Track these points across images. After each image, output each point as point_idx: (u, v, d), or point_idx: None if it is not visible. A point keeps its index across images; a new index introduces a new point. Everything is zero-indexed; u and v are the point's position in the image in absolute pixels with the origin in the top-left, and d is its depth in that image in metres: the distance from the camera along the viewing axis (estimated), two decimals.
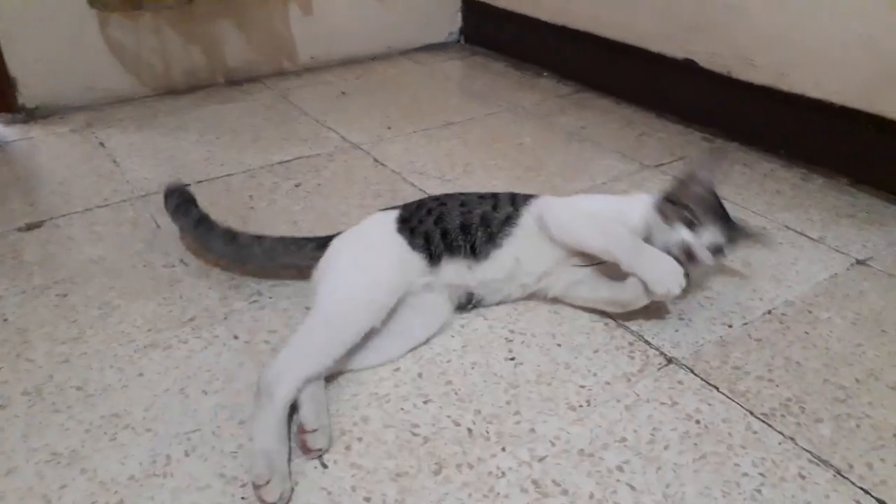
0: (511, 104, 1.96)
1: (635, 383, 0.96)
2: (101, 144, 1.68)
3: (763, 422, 0.89)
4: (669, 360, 1.00)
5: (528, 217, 1.07)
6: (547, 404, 0.92)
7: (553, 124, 1.84)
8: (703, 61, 1.75)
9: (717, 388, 0.95)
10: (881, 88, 1.43)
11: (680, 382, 0.96)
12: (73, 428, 0.88)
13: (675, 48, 1.81)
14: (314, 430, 0.84)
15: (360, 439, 0.86)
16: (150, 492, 0.79)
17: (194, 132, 1.75)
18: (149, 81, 1.98)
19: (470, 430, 0.88)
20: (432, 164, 1.60)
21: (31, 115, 1.83)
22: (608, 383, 0.96)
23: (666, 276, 0.98)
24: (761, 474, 0.82)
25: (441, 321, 1.05)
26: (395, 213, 1.09)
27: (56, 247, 1.27)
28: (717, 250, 1.03)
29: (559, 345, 1.03)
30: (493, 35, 2.44)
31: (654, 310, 1.08)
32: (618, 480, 0.81)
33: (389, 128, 1.79)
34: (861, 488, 0.80)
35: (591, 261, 1.06)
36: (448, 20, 2.50)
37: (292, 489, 0.79)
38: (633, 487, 0.80)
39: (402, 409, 0.91)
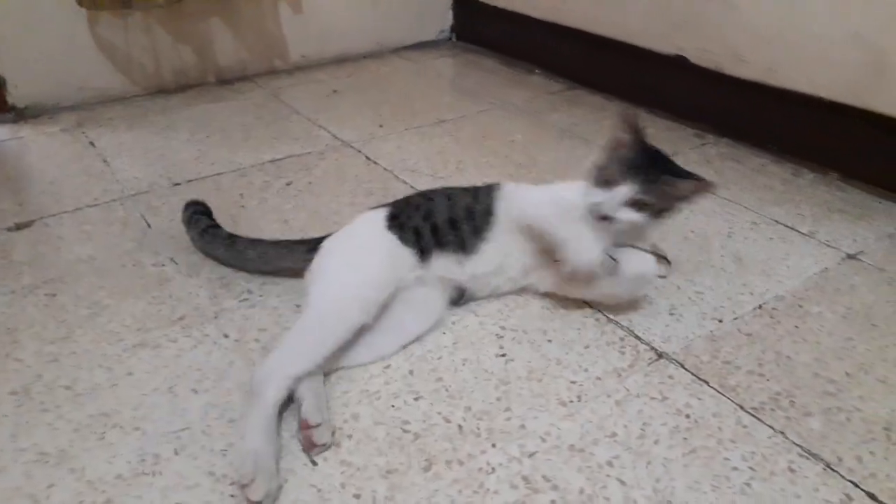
0: (502, 101, 1.96)
1: (626, 378, 0.96)
2: (92, 144, 1.67)
3: (753, 416, 0.89)
4: (660, 355, 1.00)
5: (500, 206, 1.08)
6: (537, 400, 0.92)
7: (544, 121, 1.83)
8: (694, 57, 1.75)
9: (708, 383, 0.95)
10: (869, 83, 1.43)
11: (670, 377, 0.96)
12: (62, 427, 0.88)
13: (665, 44, 1.81)
14: (318, 425, 0.84)
15: (350, 436, 0.86)
16: (138, 491, 0.79)
17: (185, 131, 1.74)
18: (139, 81, 1.97)
19: (460, 427, 0.88)
20: (424, 161, 1.59)
21: (20, 115, 1.82)
22: (599, 378, 0.96)
23: (584, 250, 1.00)
24: (751, 468, 0.82)
25: (434, 316, 1.05)
26: (384, 211, 1.09)
27: (45, 246, 1.26)
28: (636, 204, 0.99)
29: (550, 340, 1.03)
30: (484, 32, 2.44)
31: (647, 305, 1.08)
32: (608, 475, 0.81)
33: (381, 126, 1.79)
34: (851, 481, 0.80)
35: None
36: (439, 18, 2.50)
37: (280, 487, 0.79)
38: (623, 482, 0.80)
39: (393, 405, 0.91)
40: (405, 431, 0.87)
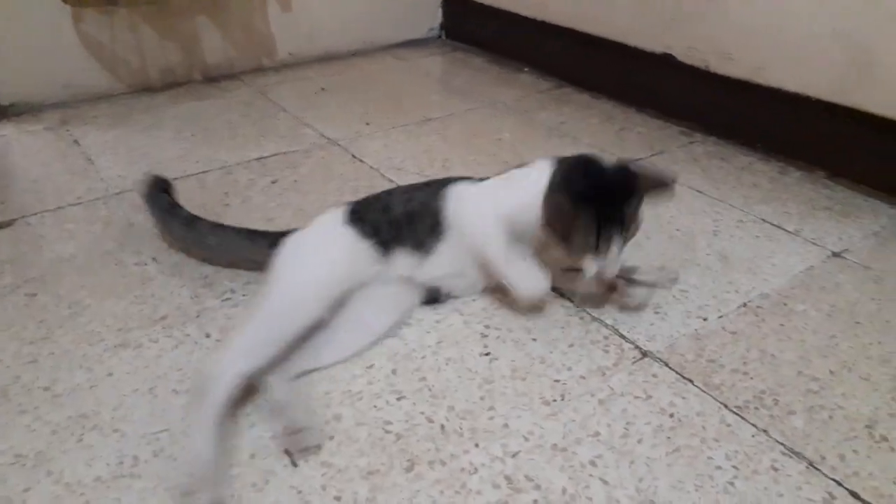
0: (491, 100, 1.96)
1: (610, 377, 0.95)
2: (76, 142, 1.66)
3: (737, 414, 0.89)
4: (644, 354, 1.00)
5: (448, 208, 1.06)
6: (521, 399, 0.91)
7: (533, 120, 1.83)
8: (681, 55, 1.75)
9: (692, 382, 0.95)
10: (855, 81, 1.43)
11: (654, 376, 0.96)
12: (39, 429, 0.87)
13: (653, 42, 1.81)
14: (302, 429, 0.83)
15: (331, 437, 0.86)
16: (116, 493, 0.78)
17: (170, 129, 1.73)
18: (125, 78, 1.95)
19: (443, 427, 0.87)
20: (411, 160, 1.59)
21: (4, 113, 1.80)
22: (583, 377, 0.95)
23: (529, 282, 1.02)
24: (734, 467, 0.82)
25: (398, 312, 1.04)
26: (344, 208, 1.08)
27: (27, 245, 1.25)
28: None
29: (534, 339, 1.02)
30: (473, 30, 2.43)
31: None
32: (590, 475, 0.80)
33: (368, 124, 1.78)
34: (833, 480, 0.80)
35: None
36: (428, 15, 2.49)
37: (226, 495, 0.78)
38: (605, 482, 0.80)
39: (375, 406, 0.90)
40: (387, 432, 0.86)
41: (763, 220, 1.35)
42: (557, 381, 0.95)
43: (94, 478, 0.80)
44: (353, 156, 1.60)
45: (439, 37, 2.53)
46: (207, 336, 1.02)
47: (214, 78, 2.08)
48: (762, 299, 1.12)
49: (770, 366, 0.98)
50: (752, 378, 0.95)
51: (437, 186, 1.09)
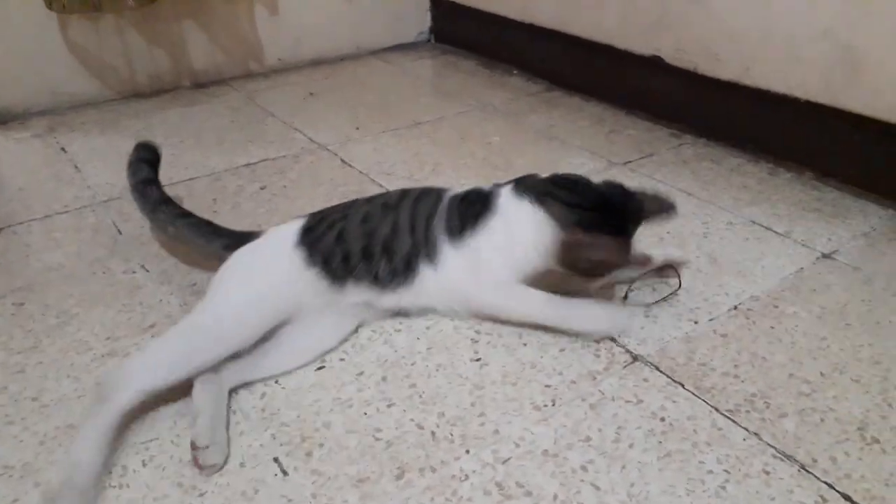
0: (481, 103, 1.96)
1: (601, 381, 0.95)
2: (63, 149, 1.65)
3: (728, 418, 0.89)
4: (635, 358, 0.99)
5: (431, 272, 1.01)
6: (512, 405, 0.91)
7: (522, 123, 1.83)
8: (670, 57, 1.75)
9: (683, 385, 0.94)
10: (842, 82, 1.43)
11: (645, 380, 0.95)
12: (27, 440, 0.86)
13: (641, 45, 1.81)
14: (206, 447, 0.81)
15: (321, 445, 0.85)
16: None
17: (158, 136, 1.72)
18: (113, 85, 1.95)
19: (433, 434, 0.87)
20: (400, 164, 1.58)
21: None
22: (573, 382, 0.95)
23: (604, 318, 1.04)
24: (726, 471, 0.81)
25: (337, 339, 1.01)
26: (298, 223, 1.03)
27: (14, 254, 1.24)
28: None
29: (525, 344, 1.02)
30: (463, 34, 2.43)
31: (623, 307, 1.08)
32: (582, 480, 0.80)
33: (358, 128, 1.78)
34: (825, 482, 0.80)
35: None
36: (417, 19, 2.49)
37: None
38: (597, 487, 0.79)
39: (366, 413, 0.90)
40: (377, 439, 0.86)
41: (753, 221, 1.35)
42: (548, 386, 0.94)
43: None
44: (343, 160, 1.60)
45: (428, 40, 2.53)
46: None
47: (203, 84, 2.07)
48: (752, 302, 1.12)
49: (761, 368, 0.98)
50: (743, 381, 0.95)
51: (402, 220, 1.02)
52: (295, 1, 2.16)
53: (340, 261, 0.99)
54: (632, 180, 1.51)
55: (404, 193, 1.07)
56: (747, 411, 0.90)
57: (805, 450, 0.84)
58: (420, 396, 0.93)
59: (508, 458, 0.83)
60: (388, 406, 0.91)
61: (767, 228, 1.33)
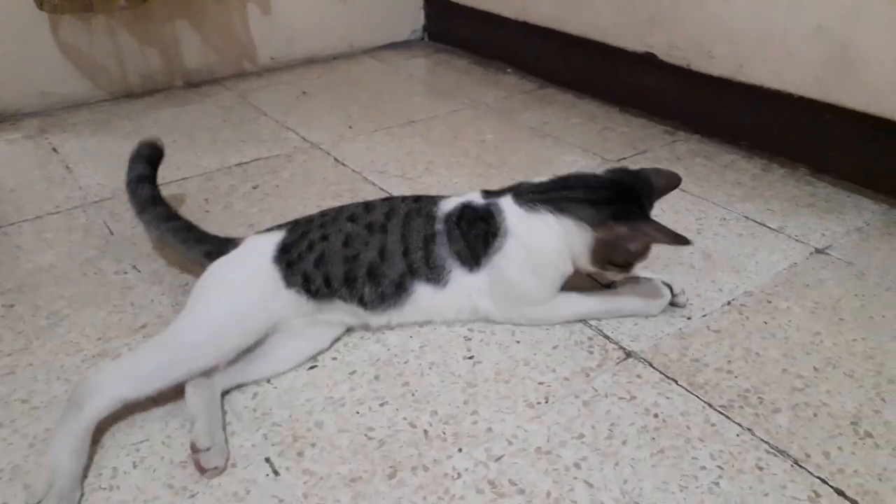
0: (474, 101, 1.95)
1: (594, 378, 0.95)
2: (55, 150, 1.64)
3: (721, 414, 0.89)
4: (628, 354, 0.99)
5: (431, 291, 0.99)
6: (504, 402, 0.91)
7: (516, 120, 1.83)
8: (663, 54, 1.75)
9: (676, 381, 0.94)
10: (835, 77, 1.43)
11: (639, 376, 0.95)
12: (17, 442, 0.85)
13: (634, 42, 1.81)
14: (207, 449, 0.81)
15: (313, 445, 0.85)
16: None
17: (151, 136, 1.71)
18: (105, 85, 1.94)
19: (426, 432, 0.86)
20: (393, 162, 1.58)
21: None
22: (567, 379, 0.95)
23: (651, 301, 1.06)
24: (719, 467, 0.81)
25: (317, 348, 1.00)
26: (276, 237, 1.00)
27: (4, 256, 1.23)
28: None
29: (518, 341, 1.02)
30: (456, 32, 2.43)
31: None
32: (575, 478, 0.80)
33: (351, 127, 1.77)
34: (818, 477, 0.80)
35: None
36: (411, 18, 2.49)
37: None
38: (590, 484, 0.79)
39: (358, 412, 0.89)
40: (370, 438, 0.85)
41: (746, 217, 1.35)
42: (541, 383, 0.94)
43: None
44: (336, 159, 1.59)
45: (422, 39, 2.53)
46: None
47: (195, 83, 2.06)
48: (746, 297, 1.12)
49: (754, 364, 0.97)
50: (736, 377, 0.95)
51: (397, 236, 0.99)
52: (288, 0, 2.15)
53: (322, 283, 0.97)
54: None
55: (391, 211, 1.01)
56: (741, 407, 0.90)
57: (798, 445, 0.84)
58: (413, 395, 0.92)
59: (501, 456, 0.83)
60: (381, 405, 0.91)
61: (761, 224, 1.33)
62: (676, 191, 1.32)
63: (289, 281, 0.96)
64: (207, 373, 0.90)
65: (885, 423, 0.87)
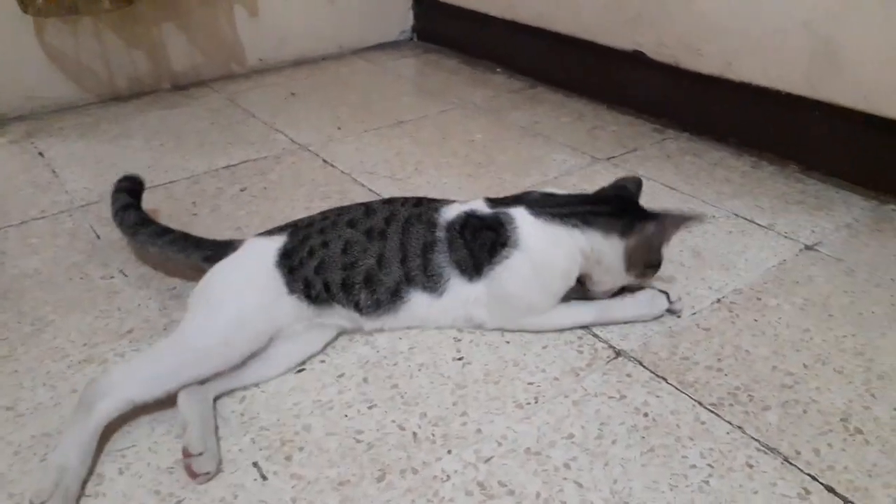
0: (463, 101, 1.95)
1: (583, 378, 0.94)
2: (41, 154, 1.63)
3: (711, 412, 0.89)
4: (618, 353, 0.99)
5: (427, 299, 0.99)
6: (494, 403, 0.90)
7: (505, 120, 1.82)
8: (651, 52, 1.75)
9: (666, 380, 0.94)
10: (822, 74, 1.43)
11: (628, 375, 0.95)
12: (2, 450, 0.84)
13: (623, 40, 1.81)
14: (199, 454, 0.80)
15: (301, 449, 0.84)
16: None
17: (138, 139, 1.71)
18: (91, 88, 1.92)
19: (415, 434, 0.86)
20: (383, 163, 1.57)
21: None
22: (556, 379, 0.94)
23: (648, 305, 1.06)
24: (709, 465, 0.81)
25: (315, 348, 1.00)
26: (278, 242, 1.00)
27: None
28: None
29: (508, 342, 1.01)
30: (445, 32, 2.42)
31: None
32: (564, 478, 0.79)
33: (339, 128, 1.77)
34: (808, 474, 0.80)
35: None
36: (400, 18, 2.48)
37: None
38: (580, 485, 0.79)
39: (346, 415, 0.89)
40: (358, 441, 0.85)
41: (736, 214, 1.35)
42: (531, 383, 0.93)
43: None
44: (325, 161, 1.59)
45: (411, 39, 2.52)
46: None
47: (183, 86, 2.05)
48: (735, 295, 1.11)
49: (744, 362, 0.97)
50: (726, 374, 0.95)
51: (396, 243, 0.98)
52: (276, 1, 2.14)
53: (322, 289, 0.97)
54: (615, 175, 1.49)
55: (391, 216, 1.01)
56: (731, 405, 0.90)
57: (788, 442, 0.84)
58: (402, 397, 0.92)
59: (490, 458, 0.82)
60: (370, 407, 0.90)
61: (750, 221, 1.33)
62: (665, 189, 1.33)
63: (291, 287, 0.96)
64: (198, 380, 0.89)
65: (874, 419, 0.87)
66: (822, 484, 0.79)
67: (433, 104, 1.93)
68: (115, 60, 1.93)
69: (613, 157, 1.59)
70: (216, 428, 0.87)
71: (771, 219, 1.33)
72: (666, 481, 0.79)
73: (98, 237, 1.28)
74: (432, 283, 0.98)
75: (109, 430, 0.86)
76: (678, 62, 1.70)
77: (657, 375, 0.95)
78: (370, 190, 1.44)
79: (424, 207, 1.03)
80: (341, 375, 0.95)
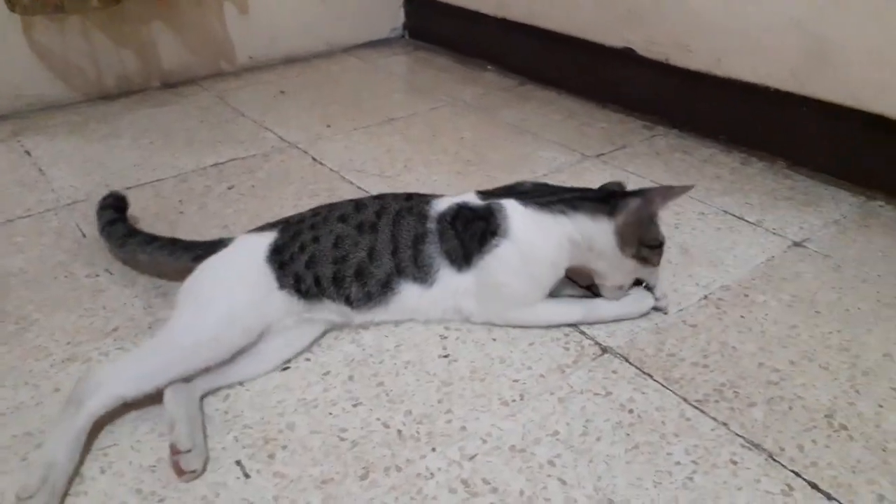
0: (454, 98, 1.94)
1: (569, 375, 0.94)
2: (28, 153, 1.62)
3: (697, 408, 0.88)
4: (604, 350, 0.99)
5: (417, 290, 0.99)
6: (479, 401, 0.90)
7: (495, 117, 1.82)
8: (641, 49, 1.75)
9: (652, 377, 0.94)
10: (811, 70, 1.43)
11: (614, 372, 0.94)
12: None
13: (613, 37, 1.80)
14: (188, 451, 0.80)
15: (284, 447, 0.83)
16: None
17: (126, 138, 1.70)
18: (79, 87, 1.91)
19: (400, 432, 0.85)
20: (372, 161, 1.57)
21: None
22: (542, 376, 0.94)
23: (634, 303, 1.05)
24: (693, 462, 0.81)
25: (305, 344, 0.99)
26: (269, 238, 1.00)
27: None
28: None
29: (494, 339, 1.01)
30: (437, 29, 2.42)
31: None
32: (548, 475, 0.79)
33: (329, 126, 1.76)
34: (792, 471, 0.80)
35: None
36: (391, 15, 2.47)
37: None
38: (563, 482, 0.78)
39: (331, 413, 0.88)
40: (342, 439, 0.84)
41: (725, 211, 1.35)
42: (517, 380, 0.93)
43: None
44: (314, 158, 1.58)
45: (402, 36, 2.51)
46: None
47: (172, 84, 2.04)
48: (723, 291, 1.11)
49: (730, 358, 0.97)
50: (712, 371, 0.95)
51: (387, 235, 0.98)
52: None
53: (312, 283, 0.97)
54: (604, 172, 1.50)
55: (382, 210, 1.01)
56: (716, 401, 0.90)
57: (773, 438, 0.84)
58: (387, 395, 0.91)
59: (475, 455, 0.82)
60: (354, 405, 0.90)
61: (739, 218, 1.33)
62: (654, 186, 1.31)
63: (281, 282, 0.96)
64: (187, 376, 0.89)
65: (859, 415, 0.87)
66: (805, 480, 0.78)
67: (423, 102, 1.92)
68: (103, 59, 1.92)
69: (603, 154, 1.59)
70: (203, 426, 0.86)
71: (760, 215, 1.33)
72: (650, 478, 0.79)
73: (84, 236, 1.27)
74: (422, 274, 0.98)
75: (92, 429, 0.85)
76: (668, 59, 1.70)
77: (643, 372, 0.94)
78: (359, 187, 1.44)
79: (415, 201, 1.04)
80: (327, 373, 0.95)
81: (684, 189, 0.98)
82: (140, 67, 1.99)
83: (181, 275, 1.00)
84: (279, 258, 0.97)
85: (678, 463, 0.81)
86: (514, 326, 1.03)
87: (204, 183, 1.46)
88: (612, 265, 0.99)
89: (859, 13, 1.33)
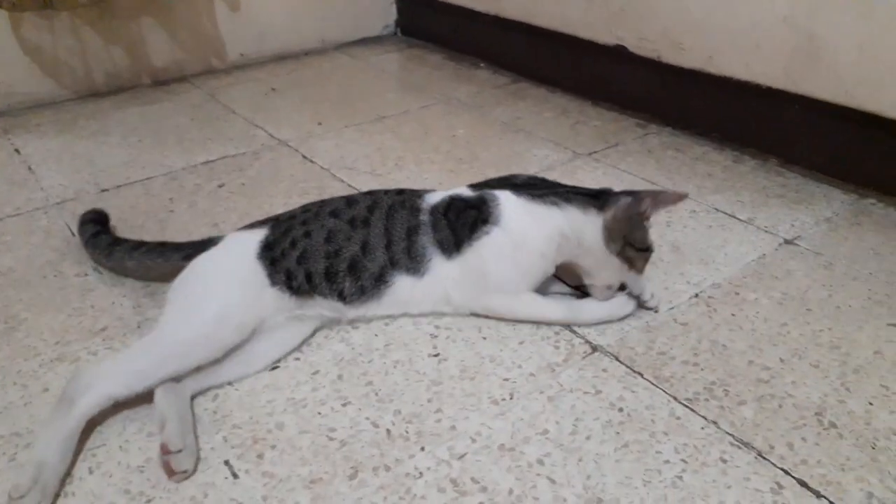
0: (446, 96, 1.94)
1: (559, 373, 0.94)
2: (17, 151, 1.61)
3: (686, 407, 0.88)
4: (594, 349, 0.98)
5: (410, 282, 0.99)
6: (469, 399, 0.90)
7: (488, 115, 1.81)
8: (633, 46, 1.74)
9: (642, 375, 0.93)
10: (803, 68, 1.43)
11: (604, 370, 0.94)
12: None
13: (605, 34, 1.80)
14: (178, 451, 0.79)
15: (273, 447, 0.83)
16: None
17: (116, 135, 1.69)
18: (69, 84, 1.90)
19: (389, 431, 0.85)
20: (363, 159, 1.56)
21: None
22: (532, 375, 0.94)
23: (613, 307, 1.04)
24: (683, 460, 0.81)
25: (296, 342, 0.99)
26: (259, 235, 1.00)
27: None
28: None
29: (485, 338, 1.01)
30: (429, 27, 2.41)
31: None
32: (538, 474, 0.79)
33: (320, 123, 1.75)
34: (782, 469, 0.80)
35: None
36: (383, 13, 2.47)
37: None
38: (553, 481, 0.78)
39: (320, 413, 0.88)
40: (331, 439, 0.84)
41: (716, 209, 1.35)
42: (507, 379, 0.93)
43: None
44: (304, 156, 1.57)
45: (394, 34, 2.51)
46: None
47: (163, 81, 2.03)
48: (714, 289, 1.11)
49: (721, 356, 0.97)
50: (702, 369, 0.95)
51: (380, 229, 0.99)
52: None
53: (303, 279, 0.96)
54: (596, 170, 1.50)
55: (374, 205, 1.01)
56: (706, 399, 0.89)
57: (763, 437, 0.84)
58: (376, 394, 0.91)
59: (464, 454, 0.82)
60: (344, 405, 0.89)
61: (731, 216, 1.33)
62: (647, 183, 1.33)
63: (273, 279, 0.96)
64: (177, 377, 0.88)
65: (848, 412, 0.87)
66: (794, 478, 0.78)
67: (415, 99, 1.92)
68: (92, 56, 1.91)
69: (595, 153, 1.59)
70: (194, 426, 0.86)
71: (751, 213, 1.33)
72: (639, 477, 0.79)
73: (73, 234, 1.27)
74: (415, 265, 0.98)
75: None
76: (660, 56, 1.70)
77: (633, 370, 0.94)
78: (349, 185, 1.43)
79: (407, 195, 1.04)
80: (316, 373, 0.95)
81: (679, 197, 0.98)
82: (130, 64, 1.98)
83: (171, 276, 1.00)
84: (270, 254, 0.97)
85: (668, 461, 0.81)
86: (494, 317, 1.03)
87: (194, 181, 1.46)
88: (599, 262, 0.99)
89: (850, 10, 1.33)
